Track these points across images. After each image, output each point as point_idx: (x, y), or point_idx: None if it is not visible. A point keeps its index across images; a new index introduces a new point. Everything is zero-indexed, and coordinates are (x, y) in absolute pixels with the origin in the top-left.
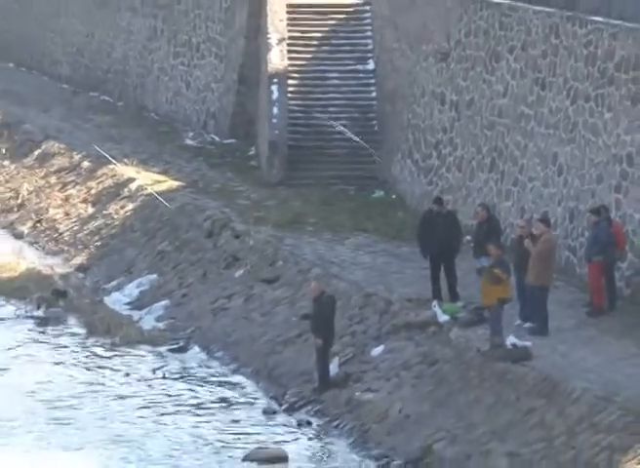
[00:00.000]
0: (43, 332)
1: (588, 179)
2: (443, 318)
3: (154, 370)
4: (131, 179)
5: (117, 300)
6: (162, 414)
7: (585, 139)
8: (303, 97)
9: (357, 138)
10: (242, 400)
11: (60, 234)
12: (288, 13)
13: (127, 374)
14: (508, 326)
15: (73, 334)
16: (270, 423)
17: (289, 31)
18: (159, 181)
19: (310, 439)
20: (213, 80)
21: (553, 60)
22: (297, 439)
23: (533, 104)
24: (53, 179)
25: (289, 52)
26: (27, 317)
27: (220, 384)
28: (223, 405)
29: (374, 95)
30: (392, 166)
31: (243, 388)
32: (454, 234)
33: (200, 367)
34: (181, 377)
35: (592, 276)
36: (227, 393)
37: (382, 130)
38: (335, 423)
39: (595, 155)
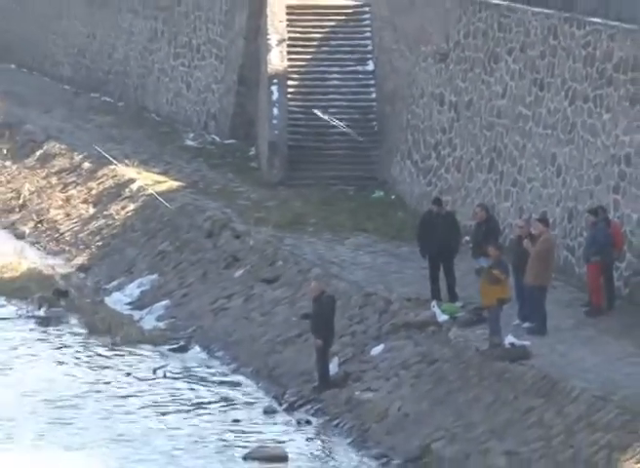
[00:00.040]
0: (44, 332)
1: (587, 180)
2: (442, 318)
3: (155, 370)
4: (131, 180)
5: (118, 300)
6: (163, 414)
7: (584, 140)
8: (303, 97)
9: (342, 125)
10: (242, 399)
11: (62, 234)
12: (287, 14)
13: (128, 374)
14: (507, 325)
15: (74, 334)
16: (270, 422)
17: (288, 32)
18: (160, 182)
19: (310, 438)
20: (213, 81)
21: (552, 61)
22: (296, 438)
23: (531, 105)
24: (54, 180)
25: (289, 53)
26: (29, 317)
27: (221, 384)
28: (224, 404)
29: (373, 96)
30: (392, 166)
31: (243, 388)
32: (453, 234)
33: (200, 366)
34: (182, 377)
35: (591, 276)
36: (228, 392)
37: (382, 130)
38: (334, 422)
39: (594, 156)
